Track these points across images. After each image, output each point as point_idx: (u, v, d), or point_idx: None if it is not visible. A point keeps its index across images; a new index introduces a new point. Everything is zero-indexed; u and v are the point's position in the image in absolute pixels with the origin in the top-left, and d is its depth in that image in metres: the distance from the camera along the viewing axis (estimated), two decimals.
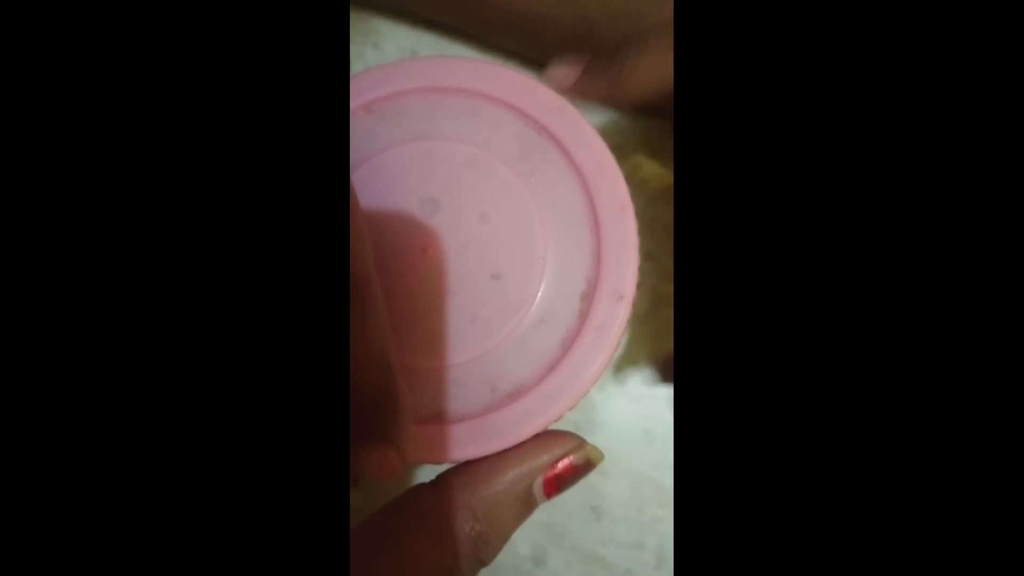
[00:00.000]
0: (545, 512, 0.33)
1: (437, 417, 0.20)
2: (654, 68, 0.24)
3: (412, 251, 0.20)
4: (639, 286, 0.20)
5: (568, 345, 0.20)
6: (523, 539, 0.33)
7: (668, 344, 0.34)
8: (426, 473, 0.22)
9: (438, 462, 0.20)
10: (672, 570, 0.33)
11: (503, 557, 0.33)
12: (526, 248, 0.20)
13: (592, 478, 0.34)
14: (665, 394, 0.34)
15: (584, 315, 0.20)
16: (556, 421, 0.20)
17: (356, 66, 0.36)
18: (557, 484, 0.20)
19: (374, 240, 0.19)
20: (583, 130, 0.21)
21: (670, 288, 0.34)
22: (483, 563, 0.19)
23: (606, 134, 0.21)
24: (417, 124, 0.21)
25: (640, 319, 0.33)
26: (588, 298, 0.20)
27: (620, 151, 0.21)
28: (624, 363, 0.34)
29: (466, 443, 0.20)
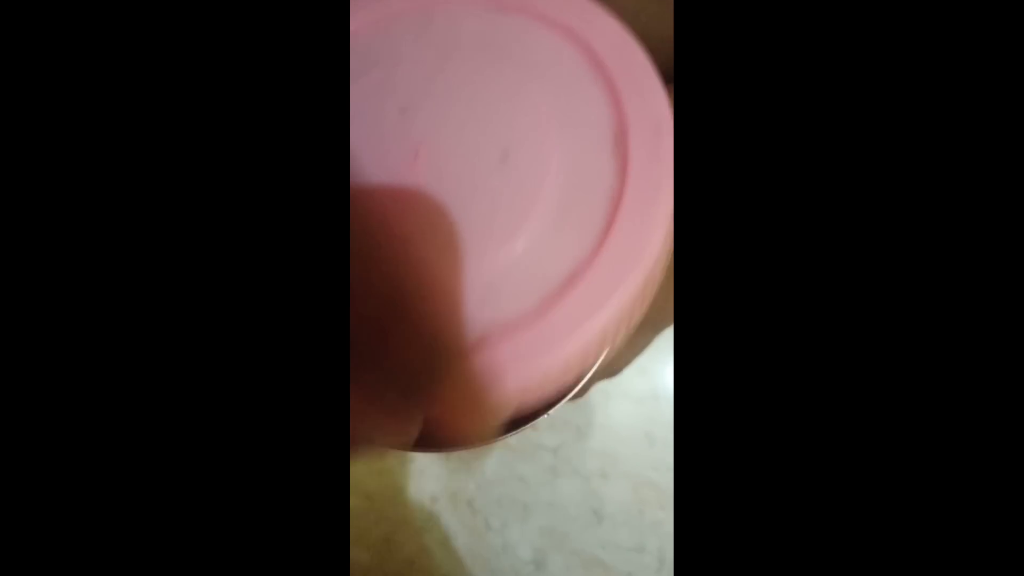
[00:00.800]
0: (546, 516, 0.33)
1: (478, 344, 0.16)
2: None
3: (402, 160, 0.17)
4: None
5: (615, 205, 0.16)
6: (524, 543, 0.33)
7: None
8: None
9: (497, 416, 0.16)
10: (673, 573, 0.33)
11: (504, 560, 0.33)
12: (529, 117, 0.17)
13: (593, 481, 0.34)
14: (666, 396, 0.34)
15: (622, 170, 0.17)
16: (629, 298, 0.16)
17: None
18: None
19: (355, 166, 0.17)
20: None
21: None
22: None
23: None
24: (368, 57, 0.19)
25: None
26: (621, 148, 0.17)
27: None
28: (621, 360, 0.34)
29: (523, 358, 0.15)
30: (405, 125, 0.18)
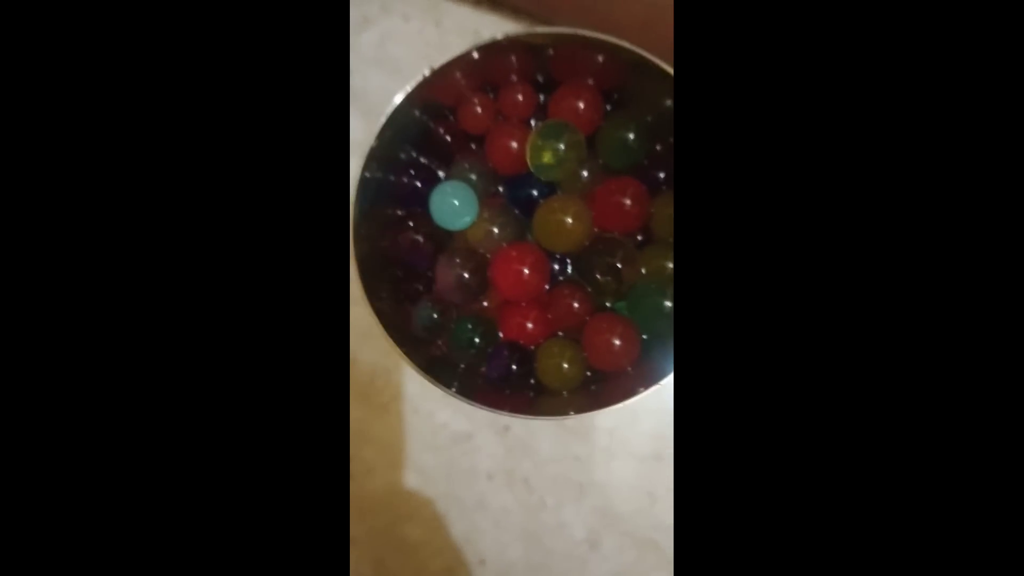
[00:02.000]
0: (600, 496, 0.33)
1: None
2: None
3: None
4: None
5: None
6: (578, 522, 0.33)
7: None
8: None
9: None
10: None
11: (558, 540, 0.33)
12: None
13: (647, 463, 0.34)
14: (668, 455, 0.34)
15: None
16: None
17: (417, 43, 0.35)
18: None
19: None
20: None
21: None
22: None
23: None
24: None
25: None
26: None
27: None
28: None
29: None
30: None
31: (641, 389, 0.22)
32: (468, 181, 0.24)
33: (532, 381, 0.24)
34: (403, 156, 0.25)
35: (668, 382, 0.22)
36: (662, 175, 0.24)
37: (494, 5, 0.35)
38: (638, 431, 0.34)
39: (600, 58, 0.23)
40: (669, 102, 0.23)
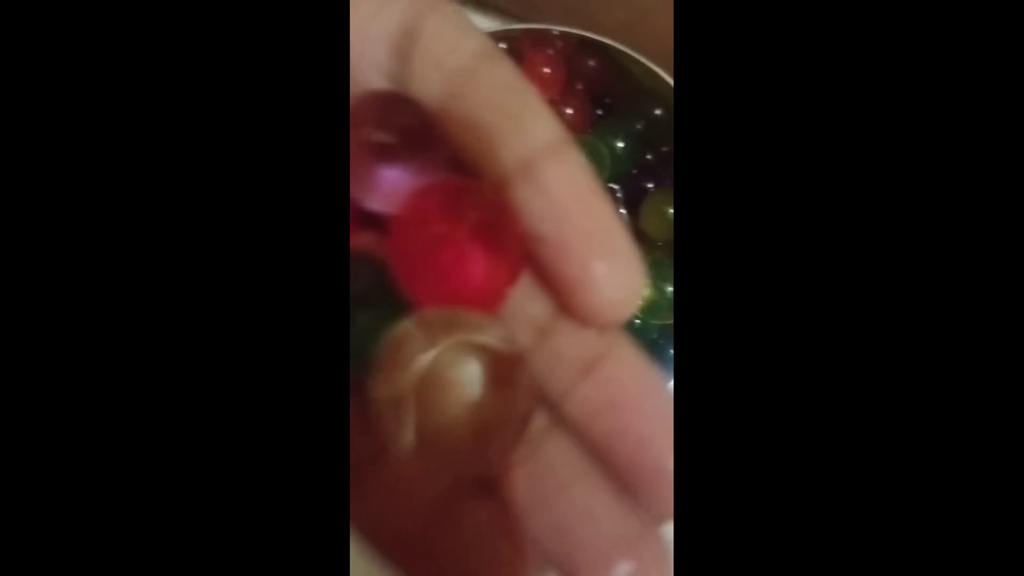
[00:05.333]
0: None
1: None
2: None
3: None
4: None
5: None
6: None
7: None
8: None
9: None
10: None
11: None
12: None
13: None
14: None
15: None
16: None
17: None
18: None
19: None
20: None
21: None
22: None
23: None
24: None
25: None
26: None
27: None
28: None
29: None
30: None
31: None
32: None
33: None
34: None
35: None
36: (650, 185, 0.23)
37: (480, 5, 0.35)
38: None
39: (591, 63, 0.23)
40: (659, 111, 0.22)
